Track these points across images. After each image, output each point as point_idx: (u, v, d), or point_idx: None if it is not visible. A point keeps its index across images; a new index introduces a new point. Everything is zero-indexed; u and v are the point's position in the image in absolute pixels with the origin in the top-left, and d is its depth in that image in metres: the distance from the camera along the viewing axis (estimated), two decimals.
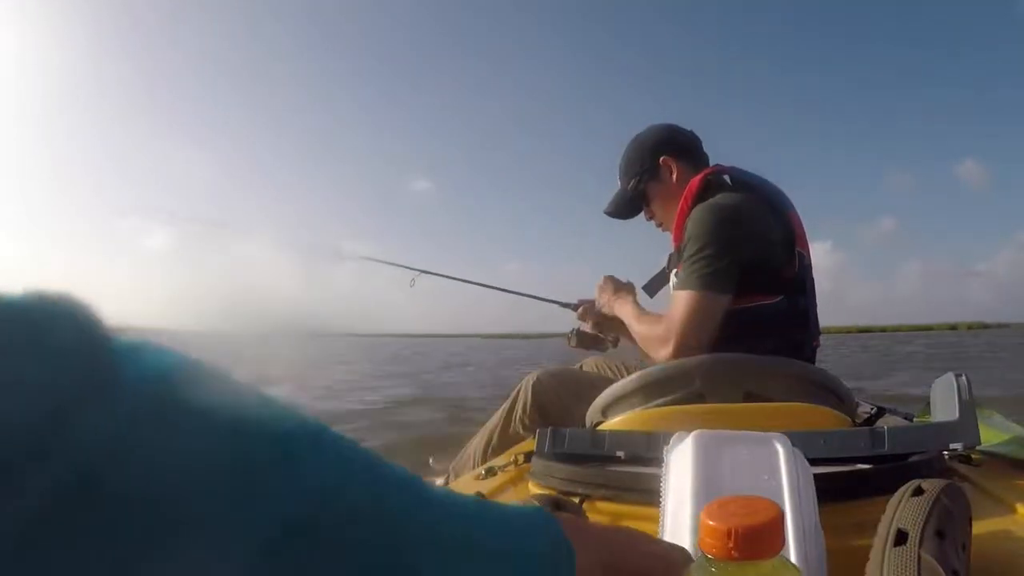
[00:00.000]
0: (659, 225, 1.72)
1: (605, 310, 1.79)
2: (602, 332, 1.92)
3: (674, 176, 1.63)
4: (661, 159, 1.64)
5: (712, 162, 1.66)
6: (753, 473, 0.64)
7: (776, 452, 0.66)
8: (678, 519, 0.61)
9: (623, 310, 1.69)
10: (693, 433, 0.69)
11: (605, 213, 1.77)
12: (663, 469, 0.68)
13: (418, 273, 2.39)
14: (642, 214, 1.74)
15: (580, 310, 1.93)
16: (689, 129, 1.70)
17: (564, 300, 2.02)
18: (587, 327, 1.93)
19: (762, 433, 0.68)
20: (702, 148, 1.70)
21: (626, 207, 1.73)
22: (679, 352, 1.35)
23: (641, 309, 1.66)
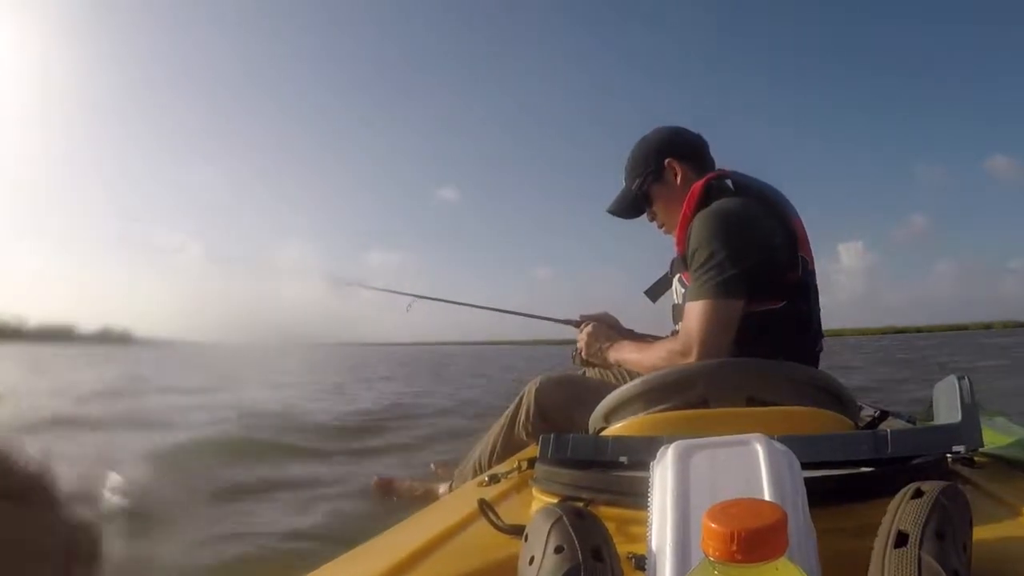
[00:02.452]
0: (661, 227, 1.71)
1: (600, 356, 1.75)
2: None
3: (678, 179, 1.63)
4: (666, 161, 1.64)
5: (719, 165, 1.66)
6: (734, 477, 0.64)
7: (756, 453, 0.66)
8: (661, 535, 0.61)
9: (621, 354, 1.67)
10: (672, 444, 0.69)
11: (607, 211, 1.77)
12: (650, 484, 0.68)
13: (412, 299, 2.41)
14: (645, 216, 1.74)
15: (583, 326, 1.92)
16: (696, 133, 1.70)
17: (567, 317, 2.01)
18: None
19: (742, 436, 0.69)
20: (708, 152, 1.69)
21: (629, 207, 1.73)
22: (704, 360, 1.35)
23: (641, 341, 1.66)
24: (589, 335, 1.77)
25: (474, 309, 2.39)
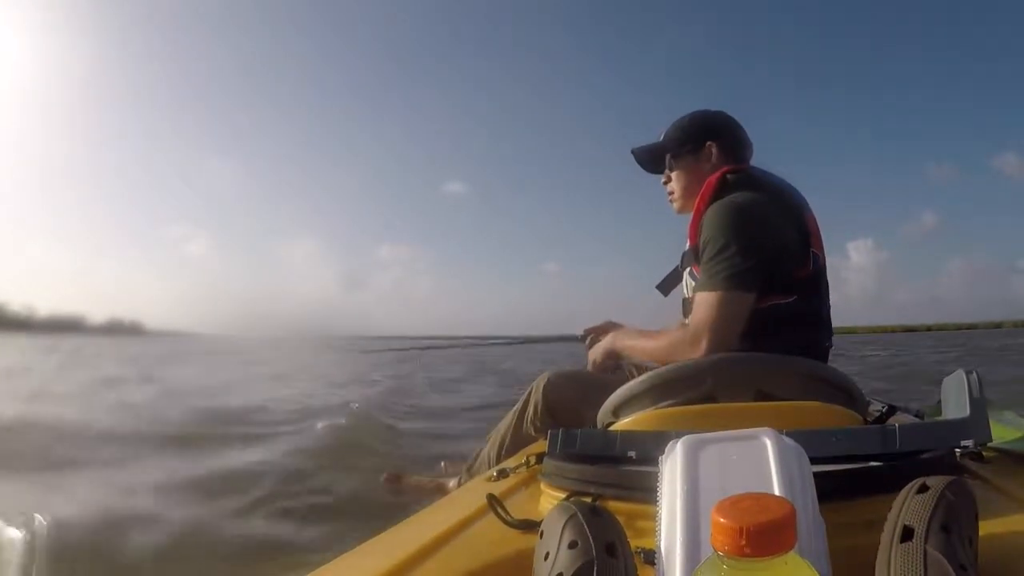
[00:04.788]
0: (670, 195, 1.71)
1: (612, 358, 1.76)
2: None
3: (710, 163, 1.63)
4: (708, 142, 1.64)
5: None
6: (743, 471, 0.64)
7: (764, 447, 0.66)
8: (671, 529, 0.62)
9: (624, 342, 1.67)
10: (681, 439, 0.69)
11: (632, 151, 1.77)
12: (659, 478, 0.68)
13: (423, 348, 2.39)
14: (660, 179, 1.74)
15: (588, 340, 1.91)
16: (750, 140, 1.70)
17: (570, 333, 2.00)
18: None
19: (751, 430, 0.69)
20: (749, 154, 1.68)
21: (651, 159, 1.73)
22: (712, 352, 1.34)
23: (642, 330, 1.66)
24: (593, 353, 1.78)
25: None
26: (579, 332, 1.94)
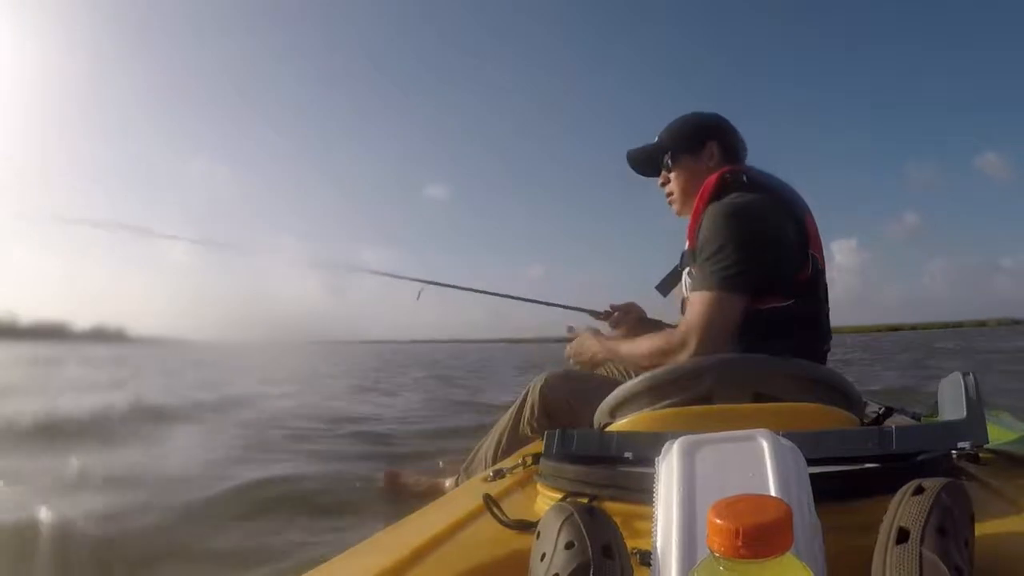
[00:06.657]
0: (669, 195, 1.71)
1: (593, 362, 1.77)
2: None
3: (710, 163, 1.62)
4: (708, 142, 1.64)
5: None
6: (739, 472, 0.64)
7: (761, 448, 0.66)
8: (667, 530, 0.62)
9: (618, 346, 1.68)
10: (677, 440, 0.69)
11: (627, 153, 1.76)
12: (655, 479, 0.68)
13: (423, 285, 2.34)
14: (657, 181, 1.74)
15: (615, 316, 1.89)
16: (743, 139, 1.70)
17: (592, 308, 1.98)
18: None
19: (747, 431, 0.69)
20: (744, 155, 1.68)
21: (647, 162, 1.73)
22: (700, 353, 1.35)
23: (633, 335, 1.66)
24: (575, 349, 1.78)
25: (488, 300, 2.33)
26: (604, 308, 1.91)
